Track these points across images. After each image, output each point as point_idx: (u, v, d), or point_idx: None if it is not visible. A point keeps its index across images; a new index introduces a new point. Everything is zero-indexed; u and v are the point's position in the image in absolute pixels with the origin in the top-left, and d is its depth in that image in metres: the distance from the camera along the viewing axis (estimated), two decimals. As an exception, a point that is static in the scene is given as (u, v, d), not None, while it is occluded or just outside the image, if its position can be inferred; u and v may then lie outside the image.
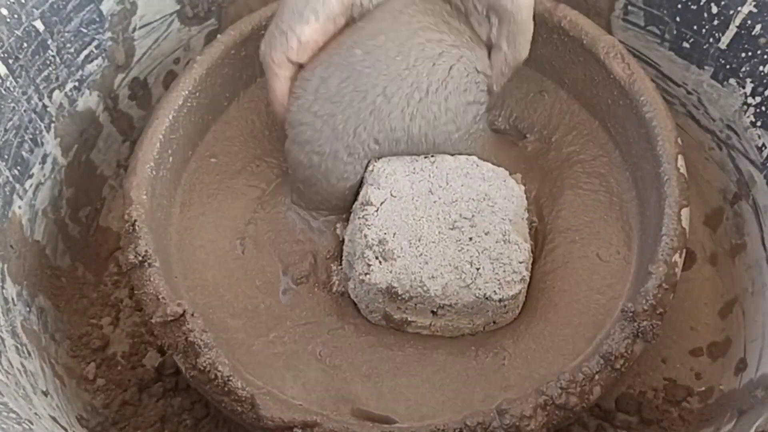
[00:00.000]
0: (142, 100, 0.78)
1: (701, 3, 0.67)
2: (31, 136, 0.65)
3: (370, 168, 0.64)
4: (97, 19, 0.70)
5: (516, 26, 0.62)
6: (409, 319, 0.61)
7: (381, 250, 0.59)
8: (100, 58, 0.72)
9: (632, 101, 0.65)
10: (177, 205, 0.69)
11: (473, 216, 0.61)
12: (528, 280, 0.61)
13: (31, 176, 0.66)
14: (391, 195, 0.62)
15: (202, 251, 0.67)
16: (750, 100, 0.66)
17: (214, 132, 0.73)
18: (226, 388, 0.55)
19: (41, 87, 0.66)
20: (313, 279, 0.65)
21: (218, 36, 0.71)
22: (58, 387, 0.63)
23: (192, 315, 0.57)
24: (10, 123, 0.63)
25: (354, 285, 0.62)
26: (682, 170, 0.62)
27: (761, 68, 0.65)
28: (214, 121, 0.73)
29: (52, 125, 0.68)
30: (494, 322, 0.62)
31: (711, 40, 0.68)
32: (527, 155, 0.71)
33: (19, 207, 0.65)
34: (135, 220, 0.61)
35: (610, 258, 0.65)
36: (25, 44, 0.63)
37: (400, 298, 0.59)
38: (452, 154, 0.65)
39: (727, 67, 0.68)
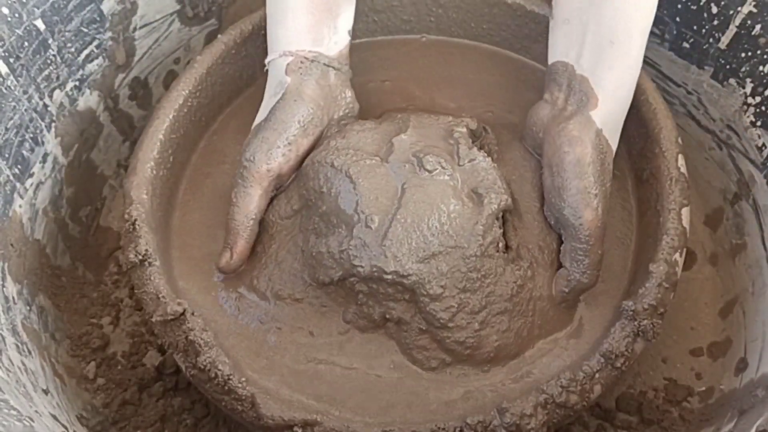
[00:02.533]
0: (143, 99, 0.79)
1: (701, 3, 0.68)
2: (31, 135, 0.65)
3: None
4: (98, 19, 0.70)
5: (579, 245, 0.59)
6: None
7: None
8: (100, 57, 0.72)
9: (632, 101, 0.65)
10: (179, 204, 0.69)
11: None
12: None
13: (31, 175, 0.66)
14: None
15: (204, 250, 0.67)
16: (750, 100, 0.66)
17: (215, 131, 0.73)
18: (226, 387, 0.55)
19: (42, 86, 0.66)
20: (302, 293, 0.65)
21: (218, 36, 0.71)
22: (58, 386, 0.63)
23: (192, 314, 0.57)
24: (11, 122, 0.63)
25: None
26: (683, 170, 0.62)
27: (761, 68, 0.65)
28: (214, 121, 0.73)
29: (53, 124, 0.68)
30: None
31: (711, 40, 0.68)
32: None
33: (20, 206, 0.65)
34: (135, 220, 0.60)
35: (608, 257, 0.65)
36: (26, 43, 0.63)
37: None
38: None
39: (727, 67, 0.68)
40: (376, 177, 0.59)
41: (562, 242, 0.61)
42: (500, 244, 0.59)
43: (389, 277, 0.57)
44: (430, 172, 0.59)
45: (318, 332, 0.62)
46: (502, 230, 0.60)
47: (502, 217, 0.61)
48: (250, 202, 0.61)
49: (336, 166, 0.60)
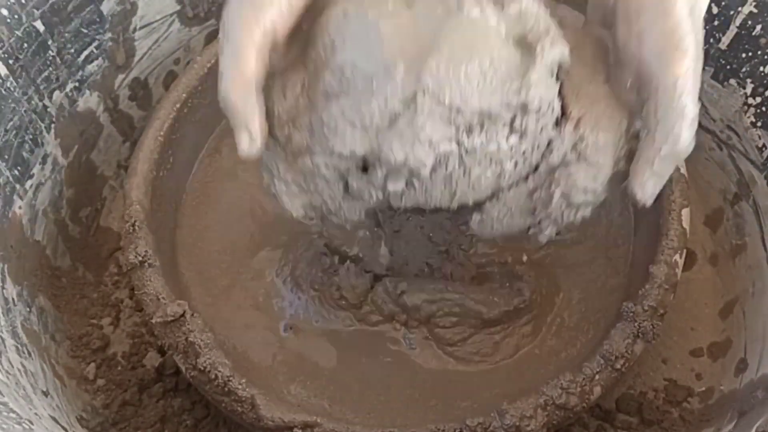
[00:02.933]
0: (143, 100, 0.79)
1: (701, 3, 0.67)
2: (31, 137, 0.65)
3: None
4: (98, 20, 0.70)
5: (670, 102, 0.46)
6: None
7: None
8: (100, 58, 0.72)
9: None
10: (184, 202, 0.69)
11: None
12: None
13: (31, 176, 0.66)
14: None
15: (210, 248, 0.67)
16: (750, 100, 0.66)
17: (217, 131, 0.73)
18: (226, 388, 0.55)
19: (42, 87, 0.66)
20: (320, 284, 0.65)
21: (219, 36, 0.71)
22: (58, 387, 0.63)
23: (192, 315, 0.57)
24: (11, 123, 0.63)
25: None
26: (683, 170, 0.62)
27: (761, 69, 0.65)
28: (215, 121, 0.73)
29: (53, 126, 0.68)
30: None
31: (711, 40, 0.68)
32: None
33: (20, 207, 0.65)
34: (135, 221, 0.61)
35: (605, 257, 0.65)
36: (26, 45, 0.63)
37: None
38: None
39: (728, 67, 0.68)
40: (401, 20, 0.47)
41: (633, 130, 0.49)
42: (555, 106, 0.48)
43: (417, 167, 0.46)
44: (468, 15, 0.46)
45: (330, 322, 0.63)
46: (558, 88, 0.48)
47: (557, 76, 0.48)
48: (246, 66, 0.48)
49: (349, 14, 0.48)
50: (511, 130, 0.47)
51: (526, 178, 0.50)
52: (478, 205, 0.51)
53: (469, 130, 0.46)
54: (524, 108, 0.46)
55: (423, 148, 0.46)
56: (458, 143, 0.46)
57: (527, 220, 0.52)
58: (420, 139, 0.45)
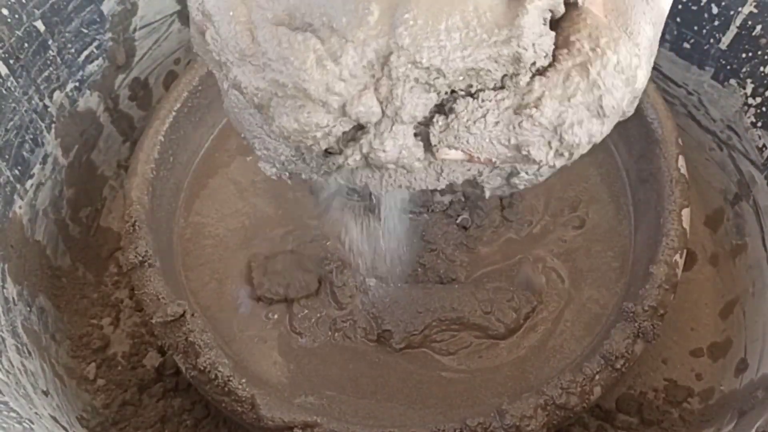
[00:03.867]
0: (143, 100, 0.79)
1: (702, 3, 0.67)
2: (31, 137, 0.65)
3: None
4: (98, 20, 0.70)
5: None
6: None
7: None
8: (100, 58, 0.72)
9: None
10: (183, 201, 0.69)
11: None
12: None
13: (31, 176, 0.66)
14: None
15: (208, 245, 0.67)
16: (750, 100, 0.66)
17: (217, 131, 0.73)
18: (226, 389, 0.55)
19: (42, 87, 0.66)
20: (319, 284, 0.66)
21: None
22: (58, 387, 0.63)
23: (192, 315, 0.57)
24: (11, 123, 0.63)
25: None
26: (683, 171, 0.62)
27: (762, 69, 0.65)
28: (215, 121, 0.73)
29: (53, 125, 0.68)
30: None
31: (711, 40, 0.68)
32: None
33: (20, 207, 0.65)
34: (135, 221, 0.61)
35: (606, 257, 0.65)
36: (26, 44, 0.63)
37: None
38: None
39: (728, 67, 0.68)
40: None
41: None
42: (546, 56, 0.38)
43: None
44: None
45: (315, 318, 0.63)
46: (553, 36, 0.39)
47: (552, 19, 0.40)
48: None
49: None
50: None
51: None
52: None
53: (452, 95, 0.39)
54: (517, 61, 0.38)
55: (410, 131, 0.37)
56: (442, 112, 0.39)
57: (506, 138, 0.39)
58: (403, 120, 0.37)
